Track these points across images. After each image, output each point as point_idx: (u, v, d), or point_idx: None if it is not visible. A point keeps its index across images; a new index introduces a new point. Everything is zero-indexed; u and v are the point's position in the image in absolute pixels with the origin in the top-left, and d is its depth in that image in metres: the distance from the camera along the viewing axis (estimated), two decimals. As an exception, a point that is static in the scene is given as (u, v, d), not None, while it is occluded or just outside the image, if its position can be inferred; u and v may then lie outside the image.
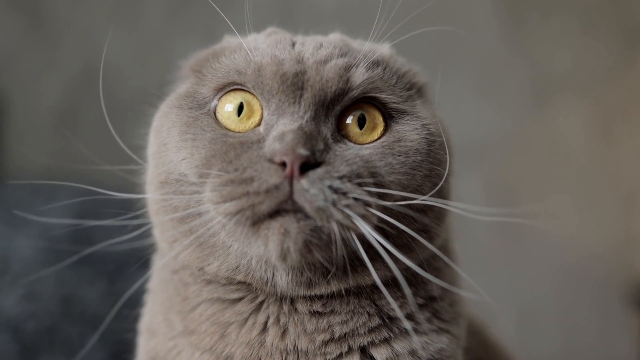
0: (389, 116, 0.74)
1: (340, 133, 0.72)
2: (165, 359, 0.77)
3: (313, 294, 0.71)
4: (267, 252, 0.65)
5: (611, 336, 2.73)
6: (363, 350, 0.73)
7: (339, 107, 0.72)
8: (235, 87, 0.74)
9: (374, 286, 0.71)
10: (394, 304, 0.71)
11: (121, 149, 0.80)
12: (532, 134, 2.74)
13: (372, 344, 0.73)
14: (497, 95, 2.71)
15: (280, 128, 0.67)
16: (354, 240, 0.65)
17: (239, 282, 0.73)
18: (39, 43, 2.37)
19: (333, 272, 0.69)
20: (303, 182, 0.64)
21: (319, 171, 0.65)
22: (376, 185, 0.68)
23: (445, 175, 0.74)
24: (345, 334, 0.72)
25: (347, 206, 0.64)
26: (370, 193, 0.66)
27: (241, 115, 0.72)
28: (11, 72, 2.33)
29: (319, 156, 0.66)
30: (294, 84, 0.70)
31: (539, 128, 2.75)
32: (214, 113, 0.74)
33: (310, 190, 0.63)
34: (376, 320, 0.73)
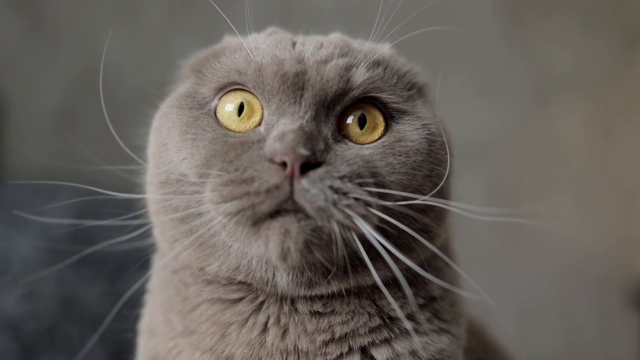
0: (390, 116, 0.74)
1: (341, 133, 0.72)
2: (165, 359, 0.77)
3: (313, 294, 0.71)
4: (268, 252, 0.65)
5: (611, 336, 2.73)
6: (363, 350, 0.73)
7: (340, 107, 0.72)
8: (236, 87, 0.74)
9: (375, 286, 0.71)
10: (394, 304, 0.71)
11: (121, 149, 0.80)
12: (532, 134, 2.74)
13: (373, 344, 0.73)
14: (497, 95, 2.71)
15: (280, 128, 0.67)
16: (354, 240, 0.65)
17: (240, 282, 0.73)
18: (39, 43, 2.37)
19: (333, 272, 0.69)
20: (303, 182, 0.63)
21: (320, 171, 0.65)
22: (377, 185, 0.67)
23: (446, 175, 0.73)
24: (345, 334, 0.72)
25: (348, 206, 0.64)
26: (370, 193, 0.66)
27: (242, 115, 0.72)
28: (11, 72, 2.33)
29: (319, 156, 0.66)
30: (295, 83, 0.70)
31: (539, 128, 2.75)
32: (215, 113, 0.74)
33: (311, 190, 0.63)
34: (377, 321, 0.73)
